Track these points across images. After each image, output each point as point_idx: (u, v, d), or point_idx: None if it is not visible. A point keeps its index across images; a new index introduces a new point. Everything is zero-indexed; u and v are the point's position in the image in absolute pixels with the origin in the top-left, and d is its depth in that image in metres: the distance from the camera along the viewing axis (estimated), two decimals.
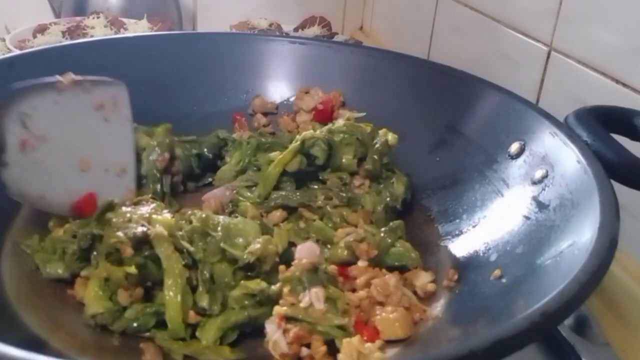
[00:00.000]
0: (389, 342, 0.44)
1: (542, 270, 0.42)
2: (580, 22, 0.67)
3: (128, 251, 0.45)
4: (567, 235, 0.43)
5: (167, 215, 0.48)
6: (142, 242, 0.46)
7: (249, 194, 0.58)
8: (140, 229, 0.46)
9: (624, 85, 0.61)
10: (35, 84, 0.50)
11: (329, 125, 0.62)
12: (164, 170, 0.59)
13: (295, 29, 1.19)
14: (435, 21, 0.99)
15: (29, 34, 1.00)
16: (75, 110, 0.52)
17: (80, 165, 0.52)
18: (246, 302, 0.45)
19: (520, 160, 0.54)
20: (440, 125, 0.63)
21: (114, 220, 0.47)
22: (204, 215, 0.49)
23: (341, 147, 0.60)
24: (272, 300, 0.45)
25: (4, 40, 0.98)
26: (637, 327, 0.54)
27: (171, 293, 0.44)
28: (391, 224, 0.54)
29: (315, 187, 0.59)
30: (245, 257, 0.46)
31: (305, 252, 0.48)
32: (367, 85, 0.71)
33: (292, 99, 0.73)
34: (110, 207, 0.49)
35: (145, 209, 0.49)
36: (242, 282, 0.46)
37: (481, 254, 0.51)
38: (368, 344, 0.42)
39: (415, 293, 0.49)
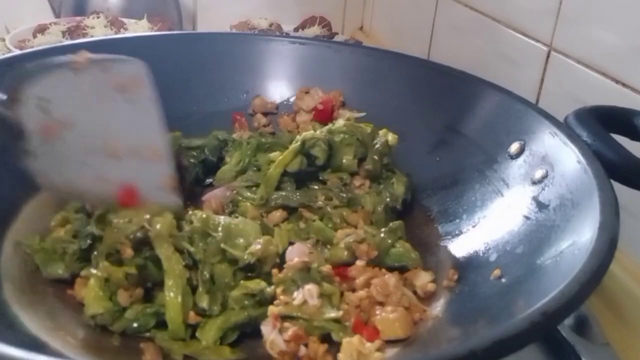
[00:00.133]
0: (389, 342, 0.44)
1: (542, 270, 0.42)
2: (580, 22, 0.67)
3: (128, 252, 0.45)
4: (567, 235, 0.43)
5: (167, 215, 0.48)
6: (143, 243, 0.46)
7: (249, 194, 0.58)
8: (140, 230, 0.46)
9: (624, 85, 0.61)
10: (48, 64, 0.46)
11: (329, 126, 0.62)
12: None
13: (295, 29, 1.19)
14: (435, 21, 0.99)
15: (29, 34, 1.00)
16: (95, 91, 0.48)
17: (108, 152, 0.48)
18: (246, 302, 0.45)
19: (520, 160, 0.54)
20: (440, 125, 0.63)
21: (115, 220, 0.47)
22: (204, 216, 0.49)
23: (341, 147, 0.60)
24: (271, 300, 0.45)
25: (4, 40, 0.98)
26: (637, 327, 0.54)
27: (171, 294, 0.44)
28: (391, 224, 0.54)
29: (316, 187, 0.59)
30: (245, 257, 0.46)
31: (296, 252, 0.49)
32: (367, 85, 0.71)
33: (292, 99, 0.73)
34: (112, 207, 0.49)
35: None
36: (242, 282, 0.46)
37: (481, 254, 0.51)
38: (368, 344, 0.42)
39: (415, 293, 0.49)
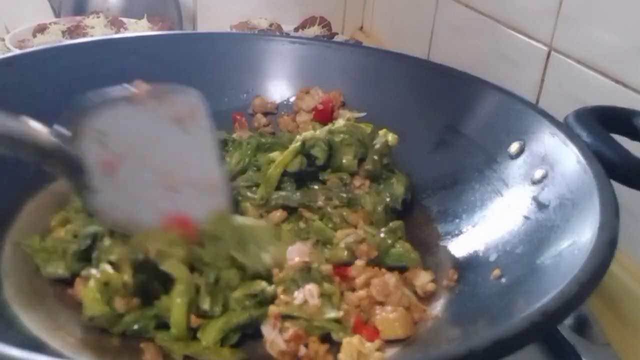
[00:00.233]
0: (389, 342, 0.44)
1: (542, 270, 0.42)
2: (580, 22, 0.67)
3: (126, 271, 0.45)
4: (567, 235, 0.43)
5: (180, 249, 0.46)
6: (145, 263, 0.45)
7: (249, 194, 0.58)
8: (140, 254, 0.45)
9: (624, 85, 0.61)
10: (108, 98, 0.46)
11: (329, 126, 0.62)
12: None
13: (295, 29, 1.19)
14: (435, 21, 0.99)
15: (29, 34, 1.00)
16: (152, 124, 0.47)
17: (167, 185, 0.48)
18: (247, 303, 0.45)
19: (520, 160, 0.54)
20: (440, 125, 0.63)
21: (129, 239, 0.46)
22: (217, 216, 0.48)
23: (341, 147, 0.60)
24: (271, 300, 0.45)
25: (3, 40, 0.98)
26: (637, 327, 0.54)
27: (178, 300, 0.44)
28: (391, 224, 0.54)
29: (316, 187, 0.59)
30: (256, 267, 0.46)
31: (296, 252, 0.48)
32: (367, 85, 0.71)
33: (292, 99, 0.73)
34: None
35: None
36: (243, 282, 0.46)
37: (481, 254, 0.51)
38: (368, 344, 0.42)
39: (415, 293, 0.49)
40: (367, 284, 0.48)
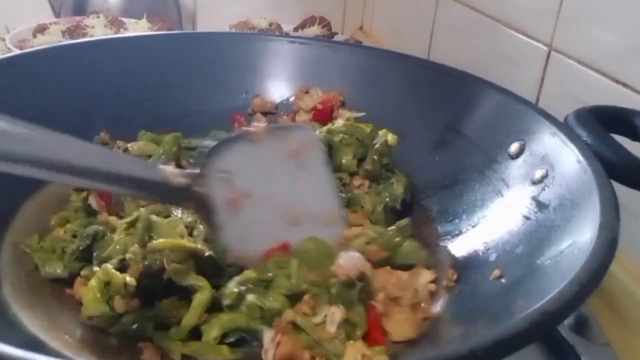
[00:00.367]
0: (394, 343, 0.44)
1: (542, 270, 0.42)
2: (580, 22, 0.67)
3: (133, 274, 0.44)
4: (567, 235, 0.43)
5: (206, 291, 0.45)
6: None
7: None
8: (155, 265, 0.44)
9: (624, 85, 0.61)
10: (229, 138, 0.48)
11: (329, 126, 0.62)
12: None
13: (295, 29, 1.19)
14: (435, 21, 0.99)
15: (29, 34, 1.00)
16: (271, 160, 0.49)
17: (289, 219, 0.49)
18: (256, 314, 0.44)
19: (520, 160, 0.54)
20: (440, 125, 0.63)
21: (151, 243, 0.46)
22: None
23: (341, 147, 0.60)
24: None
25: (4, 40, 0.98)
26: (637, 327, 0.54)
27: (198, 308, 0.44)
28: (398, 222, 0.54)
29: None
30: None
31: (350, 262, 0.44)
32: (366, 85, 0.71)
33: (291, 99, 0.73)
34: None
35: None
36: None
37: (481, 254, 0.51)
38: (372, 347, 0.42)
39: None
40: (383, 287, 0.47)
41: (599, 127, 0.50)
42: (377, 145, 0.61)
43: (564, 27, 0.69)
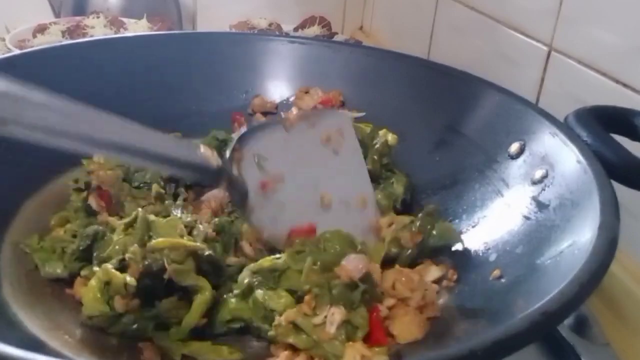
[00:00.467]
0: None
1: (542, 270, 0.42)
2: (580, 22, 0.67)
3: (134, 274, 0.44)
4: (567, 235, 0.43)
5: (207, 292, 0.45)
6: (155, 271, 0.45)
7: None
8: (155, 265, 0.44)
9: (624, 85, 0.61)
10: (263, 124, 0.50)
11: None
12: (169, 179, 0.59)
13: (295, 29, 1.19)
14: (435, 21, 0.99)
15: (29, 34, 1.00)
16: (304, 146, 0.51)
17: (321, 203, 0.51)
18: (261, 313, 0.45)
19: (520, 160, 0.54)
20: (440, 125, 0.63)
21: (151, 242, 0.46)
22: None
23: None
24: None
25: (4, 40, 0.98)
26: (637, 327, 0.54)
27: (200, 307, 0.44)
28: (426, 207, 0.54)
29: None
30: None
31: (353, 265, 0.44)
32: (367, 85, 0.71)
33: (291, 99, 0.72)
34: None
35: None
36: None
37: (481, 254, 0.51)
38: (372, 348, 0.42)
39: None
40: (393, 287, 0.47)
41: (599, 127, 0.50)
42: (377, 145, 0.61)
43: (564, 27, 0.69)
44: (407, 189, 0.60)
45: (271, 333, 0.43)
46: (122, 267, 0.45)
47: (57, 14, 1.16)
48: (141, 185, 0.59)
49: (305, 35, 1.14)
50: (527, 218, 0.49)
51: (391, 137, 0.62)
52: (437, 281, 0.50)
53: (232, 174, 0.47)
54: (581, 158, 0.47)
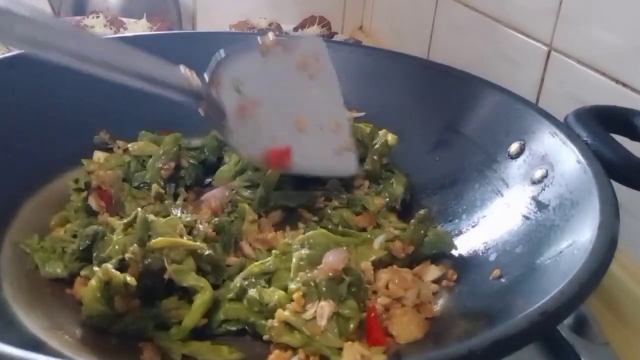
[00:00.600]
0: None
1: (542, 270, 0.42)
2: (580, 22, 0.67)
3: (134, 273, 0.44)
4: (567, 235, 0.43)
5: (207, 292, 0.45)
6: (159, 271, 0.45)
7: (248, 194, 0.58)
8: (156, 264, 0.45)
9: (624, 85, 0.61)
10: (241, 49, 0.51)
11: None
12: (169, 179, 0.59)
13: (295, 29, 1.19)
14: (435, 21, 0.99)
15: None
16: (281, 71, 0.52)
17: (296, 126, 0.53)
18: (255, 309, 0.45)
19: (520, 160, 0.54)
20: (440, 125, 0.63)
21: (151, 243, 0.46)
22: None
23: None
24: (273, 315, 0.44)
25: None
26: (637, 327, 0.54)
27: (200, 308, 0.44)
28: (419, 213, 0.54)
29: (315, 188, 0.59)
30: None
31: (334, 258, 0.45)
32: (367, 85, 0.71)
33: None
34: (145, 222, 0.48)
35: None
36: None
37: (481, 254, 0.51)
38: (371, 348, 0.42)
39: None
40: (387, 287, 0.47)
41: (599, 127, 0.50)
42: (377, 146, 0.61)
43: (564, 27, 0.69)
44: (407, 189, 0.60)
45: (266, 337, 0.43)
46: (123, 267, 0.45)
47: (57, 14, 1.16)
48: (141, 185, 0.59)
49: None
50: (527, 218, 0.49)
51: (391, 138, 0.62)
52: (437, 281, 0.50)
53: (211, 95, 0.49)
54: (581, 158, 0.47)
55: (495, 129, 0.58)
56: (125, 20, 1.05)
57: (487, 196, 0.55)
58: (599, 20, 0.64)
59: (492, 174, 0.56)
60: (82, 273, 0.49)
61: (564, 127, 0.51)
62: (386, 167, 0.61)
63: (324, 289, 0.43)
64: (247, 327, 0.45)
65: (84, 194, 0.56)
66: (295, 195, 0.57)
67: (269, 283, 0.47)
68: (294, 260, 0.46)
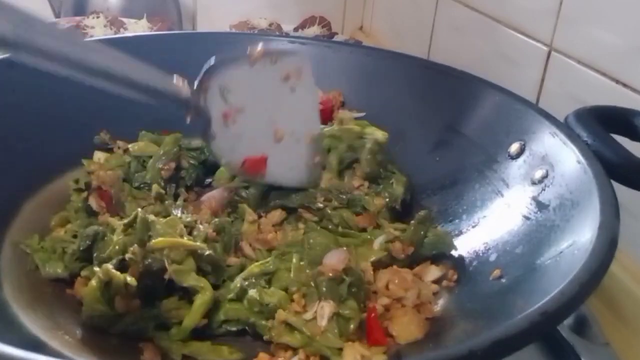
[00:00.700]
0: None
1: (542, 270, 0.42)
2: (580, 22, 0.67)
3: (134, 273, 0.45)
4: (567, 235, 0.43)
5: (207, 292, 0.46)
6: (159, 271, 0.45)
7: (246, 194, 0.58)
8: (156, 264, 0.45)
9: (624, 85, 0.61)
10: (229, 58, 0.52)
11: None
12: (169, 179, 0.59)
13: (295, 29, 1.19)
14: (435, 21, 0.99)
15: None
16: (265, 81, 0.54)
17: (274, 136, 0.55)
18: (255, 309, 0.45)
19: (520, 160, 0.54)
20: (440, 125, 0.63)
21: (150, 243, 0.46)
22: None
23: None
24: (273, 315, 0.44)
25: None
26: (637, 327, 0.54)
27: (201, 308, 0.44)
28: (418, 214, 0.54)
29: (315, 188, 0.59)
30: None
31: (334, 258, 0.46)
32: (367, 85, 0.71)
33: None
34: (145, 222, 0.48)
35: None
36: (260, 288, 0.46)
37: (481, 254, 0.51)
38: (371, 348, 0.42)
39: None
40: (387, 287, 0.47)
41: (599, 127, 0.50)
42: (368, 145, 0.61)
43: (564, 27, 0.69)
44: (407, 189, 0.60)
45: (266, 337, 0.44)
46: (123, 267, 0.45)
47: (57, 14, 1.16)
48: (141, 185, 0.59)
49: (305, 35, 1.14)
50: (527, 218, 0.49)
51: (381, 135, 0.62)
52: (437, 281, 0.50)
53: (199, 103, 0.50)
54: (581, 158, 0.47)
55: (495, 129, 0.58)
56: (125, 20, 1.05)
57: (487, 196, 0.55)
58: (599, 20, 0.64)
59: (492, 174, 0.56)
60: (82, 273, 0.49)
61: (564, 127, 0.51)
62: (384, 166, 0.61)
63: (324, 289, 0.44)
64: (247, 327, 0.46)
65: (84, 194, 0.56)
66: (295, 195, 0.57)
67: (269, 283, 0.47)
68: (294, 260, 0.47)
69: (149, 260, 0.45)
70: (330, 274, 0.44)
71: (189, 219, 0.51)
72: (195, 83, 0.51)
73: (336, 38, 1.15)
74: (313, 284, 0.44)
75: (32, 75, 0.58)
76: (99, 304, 0.44)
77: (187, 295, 0.45)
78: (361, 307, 0.45)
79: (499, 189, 0.54)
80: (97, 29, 1.00)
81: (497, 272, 0.46)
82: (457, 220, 0.56)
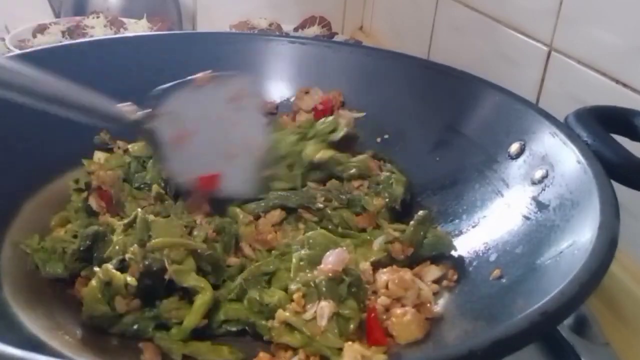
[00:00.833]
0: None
1: (542, 270, 0.42)
2: (580, 22, 0.67)
3: (134, 273, 0.45)
4: (567, 235, 0.43)
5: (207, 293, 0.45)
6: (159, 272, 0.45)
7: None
8: (156, 264, 0.45)
9: (624, 85, 0.61)
10: (176, 84, 0.55)
11: None
12: (169, 180, 0.59)
13: (295, 29, 1.19)
14: (435, 21, 0.99)
15: (29, 34, 1.00)
16: (213, 104, 0.56)
17: (226, 153, 0.56)
18: (255, 309, 0.45)
19: (520, 160, 0.54)
20: (440, 125, 0.63)
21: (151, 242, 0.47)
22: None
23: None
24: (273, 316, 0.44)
25: (3, 40, 0.98)
26: (637, 327, 0.54)
27: (201, 308, 0.44)
28: (418, 214, 0.54)
29: (315, 188, 0.59)
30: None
31: (334, 258, 0.45)
32: (367, 85, 0.71)
33: (292, 99, 0.72)
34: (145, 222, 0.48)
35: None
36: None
37: (481, 254, 0.51)
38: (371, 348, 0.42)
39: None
40: (386, 287, 0.47)
41: (599, 127, 0.50)
42: (337, 139, 0.62)
43: (564, 27, 0.69)
44: (407, 189, 0.60)
45: (266, 337, 0.44)
46: (123, 267, 0.45)
47: (57, 14, 1.16)
48: (141, 185, 0.59)
49: (305, 35, 1.14)
50: (527, 218, 0.49)
51: (344, 122, 0.63)
52: (437, 281, 0.50)
53: (146, 128, 0.53)
54: (581, 158, 0.47)
55: (495, 129, 0.58)
56: (125, 20, 1.05)
57: (487, 196, 0.55)
58: (599, 20, 0.64)
59: (492, 174, 0.56)
60: (82, 273, 0.49)
61: (564, 127, 0.51)
62: (379, 158, 0.62)
63: (324, 289, 0.44)
64: (247, 327, 0.46)
65: (84, 194, 0.56)
66: (294, 195, 0.57)
67: (269, 283, 0.47)
68: (294, 260, 0.47)
69: (149, 260, 0.45)
70: (330, 274, 0.44)
71: (189, 219, 0.51)
72: (144, 110, 0.53)
73: (336, 38, 1.15)
74: (313, 284, 0.44)
75: None
76: (99, 304, 0.44)
77: (187, 295, 0.45)
78: (361, 307, 0.44)
79: (499, 189, 0.54)
80: (97, 29, 1.00)
81: (497, 272, 0.46)
82: (457, 221, 0.56)
